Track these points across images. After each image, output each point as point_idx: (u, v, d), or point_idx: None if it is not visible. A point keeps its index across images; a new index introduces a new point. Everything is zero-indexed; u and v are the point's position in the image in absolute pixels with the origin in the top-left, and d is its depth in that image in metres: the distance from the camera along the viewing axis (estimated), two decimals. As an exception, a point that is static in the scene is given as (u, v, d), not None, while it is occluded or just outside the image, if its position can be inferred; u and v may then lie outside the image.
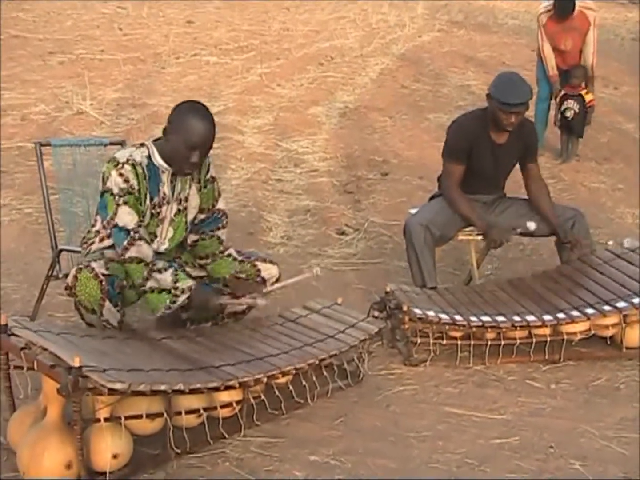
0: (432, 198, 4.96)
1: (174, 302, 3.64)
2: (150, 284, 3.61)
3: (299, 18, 13.88)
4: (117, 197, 3.60)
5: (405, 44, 12.43)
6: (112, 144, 4.65)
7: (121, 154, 3.67)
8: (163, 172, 3.73)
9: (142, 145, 3.74)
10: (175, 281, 3.62)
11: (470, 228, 4.77)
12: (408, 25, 13.64)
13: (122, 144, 4.62)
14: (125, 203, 3.60)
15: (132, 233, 3.59)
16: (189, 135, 3.61)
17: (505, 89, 4.54)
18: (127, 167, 3.62)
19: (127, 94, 9.15)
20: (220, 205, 3.97)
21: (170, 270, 3.63)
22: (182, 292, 3.63)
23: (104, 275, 3.59)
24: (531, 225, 4.55)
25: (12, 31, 11.88)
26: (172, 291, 3.62)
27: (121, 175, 3.60)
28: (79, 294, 3.57)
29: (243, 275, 3.96)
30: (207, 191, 3.91)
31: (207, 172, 3.88)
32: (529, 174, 4.84)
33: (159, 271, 3.61)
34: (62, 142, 4.65)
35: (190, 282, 3.67)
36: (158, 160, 3.71)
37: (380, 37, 12.71)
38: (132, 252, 3.59)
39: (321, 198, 6.65)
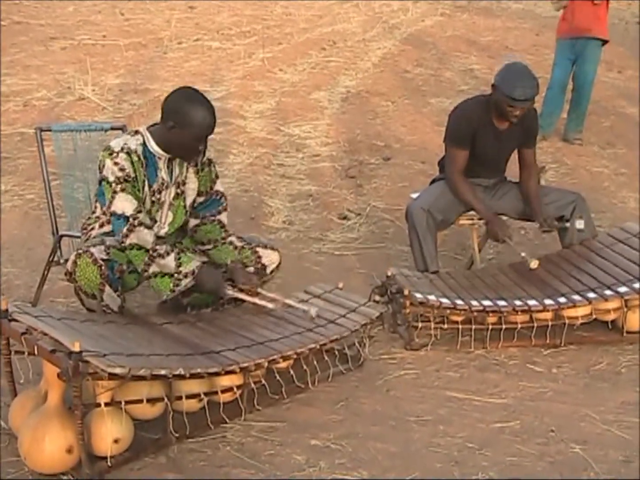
0: (432, 182, 4.95)
1: (177, 285, 3.64)
2: (152, 269, 3.61)
3: (301, 2, 13.78)
4: (113, 185, 3.61)
5: (408, 28, 12.33)
6: (113, 129, 4.64)
7: (116, 143, 3.67)
8: (159, 158, 3.73)
9: (136, 132, 3.73)
10: (179, 265, 3.63)
11: (472, 212, 4.77)
12: (411, 9, 13.54)
13: (123, 129, 4.61)
14: (123, 190, 3.61)
15: (131, 219, 3.59)
16: (198, 129, 3.63)
17: (513, 83, 4.45)
18: (122, 155, 3.62)
19: (129, 80, 9.11)
20: (218, 187, 3.97)
21: (173, 255, 3.63)
22: (185, 276, 3.64)
23: (103, 260, 3.59)
24: (534, 264, 4.49)
25: (15, 17, 11.83)
26: (175, 275, 3.62)
27: (116, 164, 3.60)
28: (79, 279, 3.58)
29: (243, 263, 3.95)
30: (205, 174, 3.91)
31: (204, 154, 3.87)
32: (523, 159, 4.83)
33: (161, 256, 3.61)
34: (62, 127, 4.64)
35: (194, 265, 3.66)
36: (154, 147, 3.70)
37: (383, 21, 12.62)
38: (131, 239, 3.59)
39: (323, 183, 6.63)
